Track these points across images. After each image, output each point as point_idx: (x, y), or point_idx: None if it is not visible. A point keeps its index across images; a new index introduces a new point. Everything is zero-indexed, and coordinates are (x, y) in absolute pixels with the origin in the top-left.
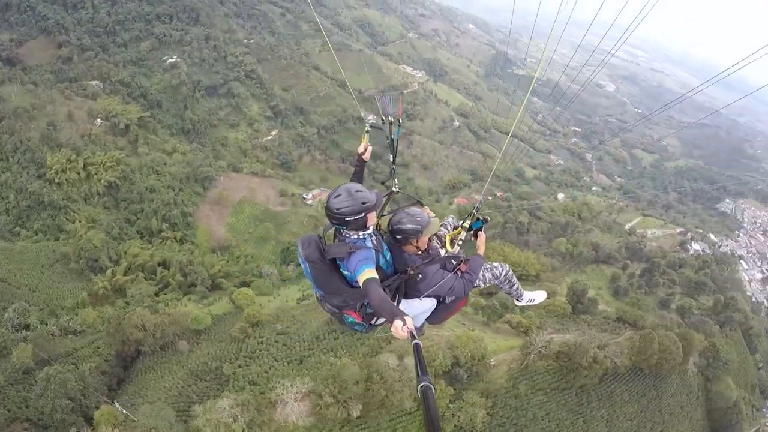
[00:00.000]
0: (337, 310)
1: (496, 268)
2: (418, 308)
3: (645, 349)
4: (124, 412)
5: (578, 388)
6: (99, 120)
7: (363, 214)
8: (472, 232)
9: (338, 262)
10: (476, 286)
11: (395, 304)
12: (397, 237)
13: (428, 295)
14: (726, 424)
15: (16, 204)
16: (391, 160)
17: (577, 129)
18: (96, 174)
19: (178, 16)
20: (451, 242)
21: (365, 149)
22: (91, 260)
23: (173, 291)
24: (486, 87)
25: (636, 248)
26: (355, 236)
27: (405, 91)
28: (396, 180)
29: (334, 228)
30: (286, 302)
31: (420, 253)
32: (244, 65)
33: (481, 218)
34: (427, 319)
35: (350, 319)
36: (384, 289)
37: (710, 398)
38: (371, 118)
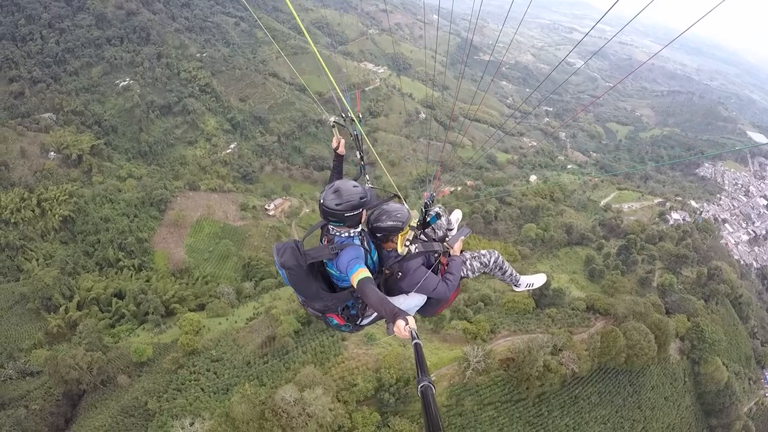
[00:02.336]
0: (320, 314)
1: (484, 255)
2: (404, 304)
3: (609, 349)
4: None
5: (535, 397)
6: (52, 153)
7: (360, 209)
8: (430, 228)
9: (327, 264)
10: (465, 277)
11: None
12: (377, 235)
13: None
14: (719, 406)
15: None
16: (359, 156)
17: (548, 109)
18: (50, 209)
19: (128, 37)
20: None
21: (338, 143)
22: (45, 299)
23: (128, 321)
24: (452, 76)
25: (612, 225)
26: (345, 235)
27: (367, 88)
28: (367, 176)
29: (320, 228)
30: (235, 323)
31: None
32: (198, 80)
33: (435, 213)
34: (419, 312)
35: (334, 322)
36: None
37: (699, 381)
38: (333, 119)
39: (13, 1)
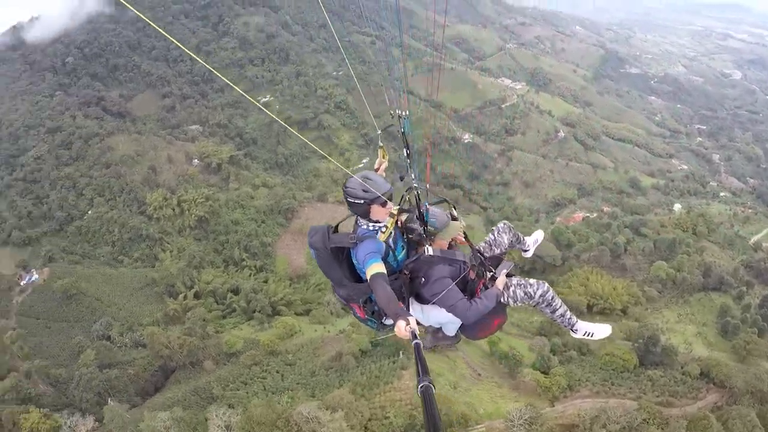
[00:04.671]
0: (345, 302)
1: (531, 285)
2: (436, 318)
3: None
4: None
5: None
6: (195, 161)
7: (363, 201)
8: (486, 243)
9: (351, 253)
10: (506, 304)
11: (406, 304)
12: (410, 236)
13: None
14: None
15: (120, 237)
16: (405, 154)
17: (701, 127)
18: (188, 210)
19: (269, 58)
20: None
21: (380, 166)
22: (169, 285)
23: (237, 316)
24: (595, 91)
25: (761, 269)
26: (367, 227)
27: (503, 105)
28: (414, 175)
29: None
30: (328, 332)
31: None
32: (333, 97)
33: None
34: (461, 331)
35: (357, 314)
36: None
37: None
38: (380, 131)
39: (166, 28)
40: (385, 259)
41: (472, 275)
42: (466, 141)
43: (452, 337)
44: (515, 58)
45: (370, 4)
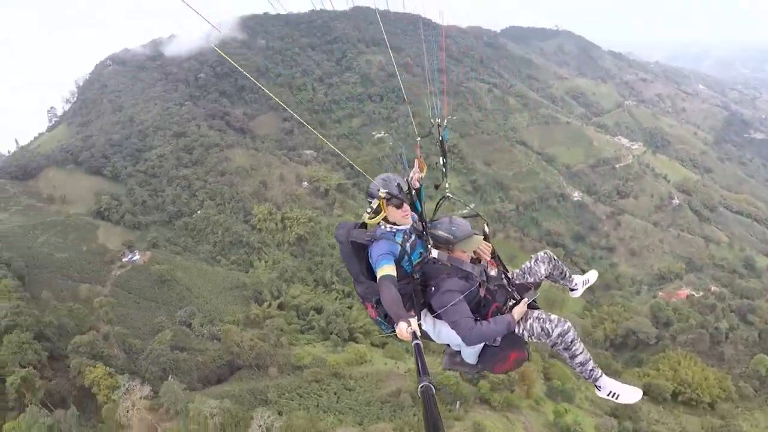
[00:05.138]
0: (361, 300)
1: (551, 321)
2: (447, 336)
3: None
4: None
5: None
6: (305, 183)
7: (373, 198)
8: (520, 271)
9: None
10: (521, 336)
11: (417, 313)
12: (432, 244)
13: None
14: None
15: (222, 239)
16: (442, 162)
17: None
18: (290, 227)
19: (387, 96)
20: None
21: (414, 176)
22: (257, 292)
23: (315, 334)
24: (716, 156)
25: None
26: (385, 227)
27: (617, 165)
28: (447, 184)
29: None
30: (397, 368)
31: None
32: (447, 140)
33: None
34: (480, 360)
35: (369, 314)
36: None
37: None
38: (419, 140)
39: (293, 58)
40: (399, 263)
41: (483, 292)
42: (575, 199)
43: (471, 365)
44: (634, 116)
45: (490, 52)
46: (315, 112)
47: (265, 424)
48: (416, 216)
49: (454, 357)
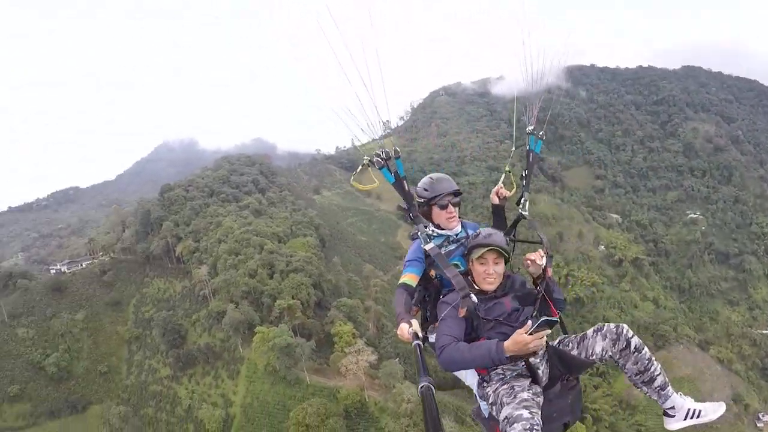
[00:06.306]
0: None
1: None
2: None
3: None
4: None
5: None
6: (601, 247)
7: (422, 200)
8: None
9: None
10: (582, 359)
11: (427, 326)
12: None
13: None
14: None
15: None
16: (524, 174)
17: None
18: (572, 285)
19: (711, 172)
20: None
21: (497, 192)
22: None
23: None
24: None
25: None
26: (420, 230)
27: None
28: (527, 203)
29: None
30: None
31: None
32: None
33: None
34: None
35: None
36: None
37: None
38: (514, 151)
39: (615, 114)
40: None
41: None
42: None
43: (485, 419)
44: None
45: None
46: (630, 176)
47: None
48: (474, 226)
49: (477, 412)
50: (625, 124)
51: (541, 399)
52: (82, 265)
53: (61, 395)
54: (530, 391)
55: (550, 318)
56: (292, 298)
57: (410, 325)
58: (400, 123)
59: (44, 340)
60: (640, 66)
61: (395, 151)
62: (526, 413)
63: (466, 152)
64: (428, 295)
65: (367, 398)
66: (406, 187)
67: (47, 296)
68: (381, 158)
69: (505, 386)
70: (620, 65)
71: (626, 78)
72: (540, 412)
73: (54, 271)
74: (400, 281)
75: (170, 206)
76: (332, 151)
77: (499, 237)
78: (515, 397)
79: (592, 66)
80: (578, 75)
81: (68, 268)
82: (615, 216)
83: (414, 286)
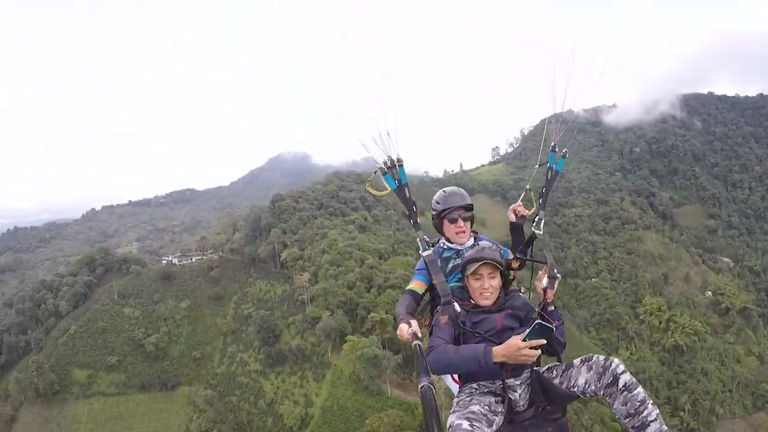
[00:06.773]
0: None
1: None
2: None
3: None
4: None
5: None
6: (709, 293)
7: (435, 213)
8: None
9: None
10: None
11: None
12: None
13: None
14: None
15: (602, 313)
16: (542, 190)
17: None
18: (673, 331)
19: None
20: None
21: (514, 210)
22: None
23: None
24: None
25: None
26: (420, 237)
27: None
28: (542, 222)
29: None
30: None
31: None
32: None
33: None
34: None
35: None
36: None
37: None
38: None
39: (733, 148)
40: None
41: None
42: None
43: None
44: None
45: None
46: (746, 216)
47: None
48: (487, 241)
49: None
50: (744, 159)
51: (498, 419)
52: (191, 259)
53: (155, 372)
54: (486, 407)
55: (544, 323)
56: (386, 312)
57: (410, 325)
58: (510, 150)
59: (147, 321)
60: (761, 94)
61: (398, 159)
62: (465, 424)
63: (574, 183)
64: (435, 304)
65: (444, 419)
66: (408, 194)
67: (156, 282)
68: (386, 166)
69: (467, 398)
70: (740, 92)
71: (746, 107)
72: (491, 430)
73: (165, 262)
74: (408, 287)
75: (280, 214)
76: (440, 174)
77: (491, 251)
78: (466, 407)
79: (710, 94)
80: (694, 104)
81: (179, 261)
82: (726, 260)
83: (420, 293)
